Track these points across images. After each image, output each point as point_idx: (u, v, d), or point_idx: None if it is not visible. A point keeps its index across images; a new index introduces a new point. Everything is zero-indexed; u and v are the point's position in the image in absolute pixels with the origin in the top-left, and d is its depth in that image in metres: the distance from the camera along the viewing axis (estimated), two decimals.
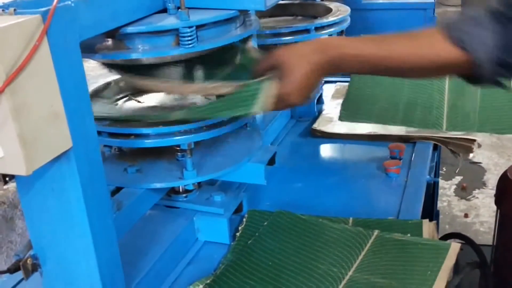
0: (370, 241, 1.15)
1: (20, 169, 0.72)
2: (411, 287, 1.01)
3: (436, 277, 1.02)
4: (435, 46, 0.97)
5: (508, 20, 0.93)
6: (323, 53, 1.00)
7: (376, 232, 1.18)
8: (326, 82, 2.18)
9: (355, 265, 1.08)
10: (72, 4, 0.77)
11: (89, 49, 1.00)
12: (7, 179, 0.81)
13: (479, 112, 1.77)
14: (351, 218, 1.26)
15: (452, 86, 1.90)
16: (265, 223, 1.23)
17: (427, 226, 1.20)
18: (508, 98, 1.78)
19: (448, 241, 1.87)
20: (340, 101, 2.03)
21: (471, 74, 0.98)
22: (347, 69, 1.11)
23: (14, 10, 0.72)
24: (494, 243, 1.82)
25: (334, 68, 1.03)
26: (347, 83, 2.22)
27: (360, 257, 1.10)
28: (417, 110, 1.80)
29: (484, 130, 1.68)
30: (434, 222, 1.23)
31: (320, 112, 1.92)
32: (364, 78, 1.99)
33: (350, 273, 1.06)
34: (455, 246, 1.10)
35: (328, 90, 2.13)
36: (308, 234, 1.19)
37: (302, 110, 1.90)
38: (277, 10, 1.99)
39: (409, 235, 1.16)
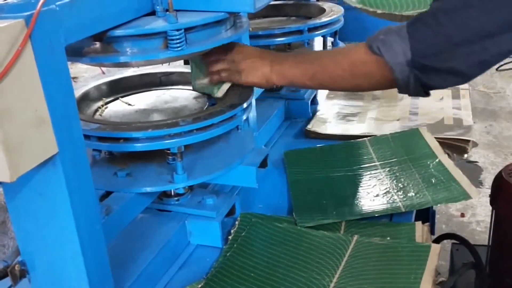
0: (351, 247, 1.14)
1: (4, 176, 0.71)
2: None
3: (420, 280, 1.01)
4: (357, 54, 1.08)
5: (420, 22, 0.99)
6: (268, 82, 1.22)
7: (355, 237, 1.17)
8: None
9: (338, 272, 1.07)
10: (57, 8, 0.76)
11: (77, 52, 0.99)
12: None
13: None
14: (343, 222, 1.25)
15: None
16: (243, 234, 1.22)
17: (420, 229, 1.19)
18: None
19: (444, 241, 1.89)
20: (335, 101, 2.03)
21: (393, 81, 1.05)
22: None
23: None
24: (490, 244, 1.81)
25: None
26: None
27: (343, 264, 1.10)
28: None
29: None
30: (427, 224, 1.22)
31: (314, 113, 1.91)
32: None
33: (334, 280, 1.05)
34: (435, 248, 1.10)
35: (323, 91, 2.12)
36: (288, 242, 1.18)
37: (297, 111, 1.89)
38: (271, 11, 1.99)
39: (388, 238, 1.16)
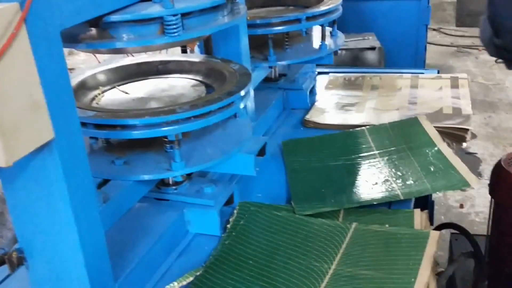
0: (349, 234, 1.14)
1: (0, 160, 0.71)
2: (395, 277, 1.00)
3: (419, 266, 1.01)
4: None
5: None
6: None
7: (354, 225, 1.17)
8: (320, 73, 2.17)
9: (337, 259, 1.07)
10: None
11: (73, 38, 0.98)
12: None
13: None
14: (342, 210, 1.25)
15: None
16: (241, 222, 1.21)
17: (419, 216, 1.19)
18: None
19: (443, 231, 1.89)
20: (334, 91, 2.02)
21: None
22: None
23: None
24: (489, 233, 1.81)
25: None
26: (340, 74, 2.21)
27: (341, 250, 1.09)
28: None
29: None
30: (426, 211, 1.22)
31: (312, 103, 1.91)
32: None
33: (333, 266, 1.05)
34: (434, 234, 1.09)
35: (321, 81, 2.12)
36: (286, 230, 1.18)
37: (295, 101, 1.89)
38: (269, 0, 1.97)
39: (387, 225, 1.16)
